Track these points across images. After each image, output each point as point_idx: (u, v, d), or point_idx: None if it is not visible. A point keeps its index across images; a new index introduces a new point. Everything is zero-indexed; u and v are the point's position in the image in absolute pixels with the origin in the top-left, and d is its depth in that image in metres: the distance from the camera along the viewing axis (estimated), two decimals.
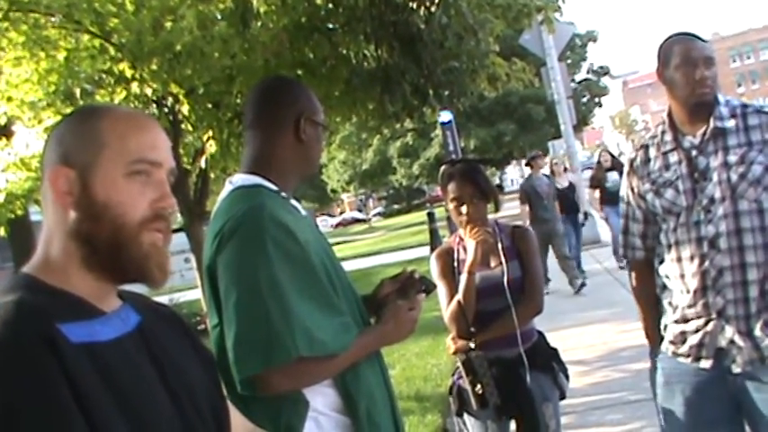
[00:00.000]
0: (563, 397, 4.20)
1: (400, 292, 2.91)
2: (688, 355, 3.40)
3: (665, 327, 3.50)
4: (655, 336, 3.61)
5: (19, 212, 10.07)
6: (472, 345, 4.00)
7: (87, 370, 1.50)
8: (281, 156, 2.80)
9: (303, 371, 2.53)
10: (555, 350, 4.26)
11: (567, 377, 4.22)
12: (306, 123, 2.81)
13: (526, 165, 14.06)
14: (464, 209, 4.01)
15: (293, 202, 2.83)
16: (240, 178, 2.79)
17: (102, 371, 1.53)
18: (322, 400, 2.64)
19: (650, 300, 3.62)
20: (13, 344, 1.44)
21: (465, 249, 4.12)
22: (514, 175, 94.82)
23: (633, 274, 3.72)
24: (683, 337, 3.40)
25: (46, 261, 1.67)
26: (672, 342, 3.46)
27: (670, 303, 3.46)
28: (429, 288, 2.94)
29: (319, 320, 2.53)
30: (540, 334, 4.26)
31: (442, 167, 4.22)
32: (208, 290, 2.67)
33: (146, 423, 1.56)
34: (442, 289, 4.11)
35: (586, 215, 15.05)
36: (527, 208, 13.53)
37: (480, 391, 3.95)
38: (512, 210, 35.92)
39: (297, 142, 2.81)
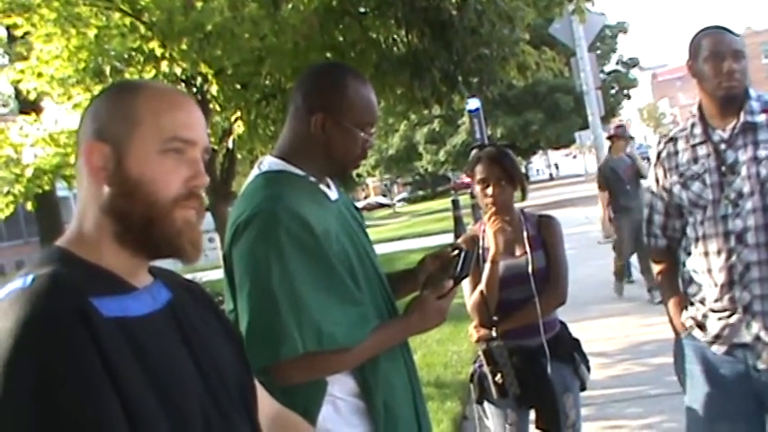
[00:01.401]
0: (583, 388, 4.20)
1: (441, 271, 2.88)
2: (703, 337, 3.40)
3: (690, 305, 3.49)
4: (676, 313, 3.60)
5: (46, 188, 10.11)
6: (494, 334, 3.99)
7: (119, 344, 1.51)
8: (301, 144, 2.75)
9: (314, 364, 2.52)
10: (577, 341, 4.25)
11: (588, 368, 4.21)
12: (326, 121, 2.69)
13: (608, 139, 11.80)
14: (489, 191, 4.00)
15: (323, 186, 2.78)
16: (268, 162, 2.76)
17: (132, 345, 1.54)
18: (339, 387, 2.63)
19: (672, 285, 3.61)
20: (46, 316, 1.44)
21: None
22: (540, 165, 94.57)
23: (655, 261, 3.71)
24: (704, 320, 3.40)
25: (80, 235, 1.68)
26: (693, 317, 3.45)
27: (696, 296, 3.44)
28: (462, 275, 2.85)
29: (333, 313, 2.52)
30: (563, 324, 4.25)
31: (474, 150, 4.21)
32: (225, 276, 2.67)
33: (174, 398, 1.57)
34: None
35: None
36: (606, 195, 11.68)
37: (500, 381, 3.95)
38: (537, 199, 35.92)
39: (312, 135, 2.71)
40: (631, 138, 12.73)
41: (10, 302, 1.48)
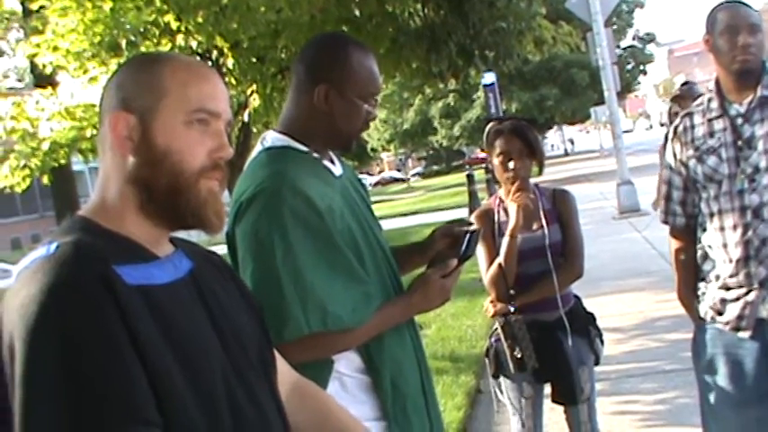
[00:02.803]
0: (597, 362, 4.20)
1: (449, 249, 2.84)
2: (727, 323, 3.39)
3: (704, 294, 3.49)
4: (689, 303, 3.61)
5: (62, 161, 10.15)
6: (512, 308, 3.99)
7: (142, 311, 1.51)
8: (304, 118, 2.71)
9: (319, 344, 2.51)
10: (592, 315, 4.24)
11: (602, 342, 4.21)
12: (329, 93, 2.66)
13: (672, 101, 9.47)
14: (511, 164, 3.98)
15: (326, 162, 2.75)
16: (272, 138, 2.73)
17: (156, 313, 1.54)
18: (346, 364, 2.62)
19: (688, 267, 3.60)
20: (70, 283, 1.45)
21: (505, 211, 4.09)
22: (555, 140, 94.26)
23: (673, 241, 3.70)
24: (723, 305, 3.39)
25: (102, 205, 1.69)
26: (711, 308, 3.44)
27: (711, 272, 3.44)
28: (467, 254, 2.78)
29: (337, 293, 2.50)
30: (577, 298, 4.24)
31: (490, 124, 4.18)
32: (228, 254, 2.63)
33: (196, 366, 1.58)
34: (481, 251, 4.08)
35: None
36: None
37: (519, 355, 3.94)
38: (552, 174, 35.85)
39: (316, 109, 2.68)
40: (701, 95, 11.14)
41: (34, 270, 1.49)
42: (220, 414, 1.60)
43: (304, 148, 2.68)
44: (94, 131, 9.24)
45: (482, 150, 56.10)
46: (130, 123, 1.66)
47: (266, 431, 1.76)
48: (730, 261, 3.33)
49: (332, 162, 2.80)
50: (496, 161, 4.04)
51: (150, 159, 1.66)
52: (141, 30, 8.76)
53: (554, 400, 4.21)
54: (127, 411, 1.42)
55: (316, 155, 2.70)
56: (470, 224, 2.98)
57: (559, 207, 4.13)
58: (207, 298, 1.74)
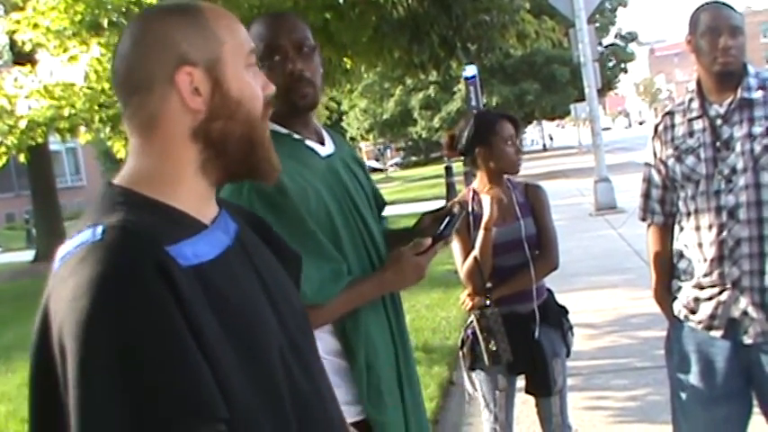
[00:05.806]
0: (568, 354, 4.23)
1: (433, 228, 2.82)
2: (699, 322, 3.41)
3: (679, 291, 3.50)
4: (664, 301, 3.62)
5: (39, 140, 10.10)
6: (488, 302, 4.00)
7: (199, 296, 1.42)
8: None
9: None
10: (564, 308, 4.28)
11: (572, 335, 4.25)
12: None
13: None
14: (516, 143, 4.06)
15: (310, 143, 2.74)
16: None
17: (210, 294, 1.46)
18: (322, 346, 2.60)
19: (664, 265, 3.62)
20: (123, 274, 1.35)
21: (479, 204, 4.11)
22: (534, 135, 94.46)
23: (650, 238, 3.71)
24: (696, 304, 3.41)
25: (150, 172, 1.58)
26: (685, 306, 3.46)
27: (686, 271, 3.46)
28: (443, 235, 2.74)
29: (304, 269, 2.50)
30: (549, 291, 4.27)
31: (481, 116, 4.22)
32: None
33: (255, 349, 1.51)
34: (456, 244, 4.09)
35: None
36: None
37: (494, 348, 3.96)
38: (530, 170, 35.93)
39: None
40: None
41: (81, 258, 1.38)
42: (282, 398, 1.53)
43: (283, 130, 2.69)
44: (72, 111, 9.19)
45: None
46: (197, 77, 1.57)
47: (324, 411, 1.71)
48: (705, 260, 3.34)
49: (322, 143, 2.80)
50: (504, 146, 4.05)
51: (225, 111, 1.59)
52: (123, 10, 8.71)
53: (527, 392, 4.23)
54: (194, 410, 1.33)
55: (297, 136, 2.71)
56: (459, 208, 2.96)
57: (532, 200, 4.17)
58: (256, 262, 1.67)
